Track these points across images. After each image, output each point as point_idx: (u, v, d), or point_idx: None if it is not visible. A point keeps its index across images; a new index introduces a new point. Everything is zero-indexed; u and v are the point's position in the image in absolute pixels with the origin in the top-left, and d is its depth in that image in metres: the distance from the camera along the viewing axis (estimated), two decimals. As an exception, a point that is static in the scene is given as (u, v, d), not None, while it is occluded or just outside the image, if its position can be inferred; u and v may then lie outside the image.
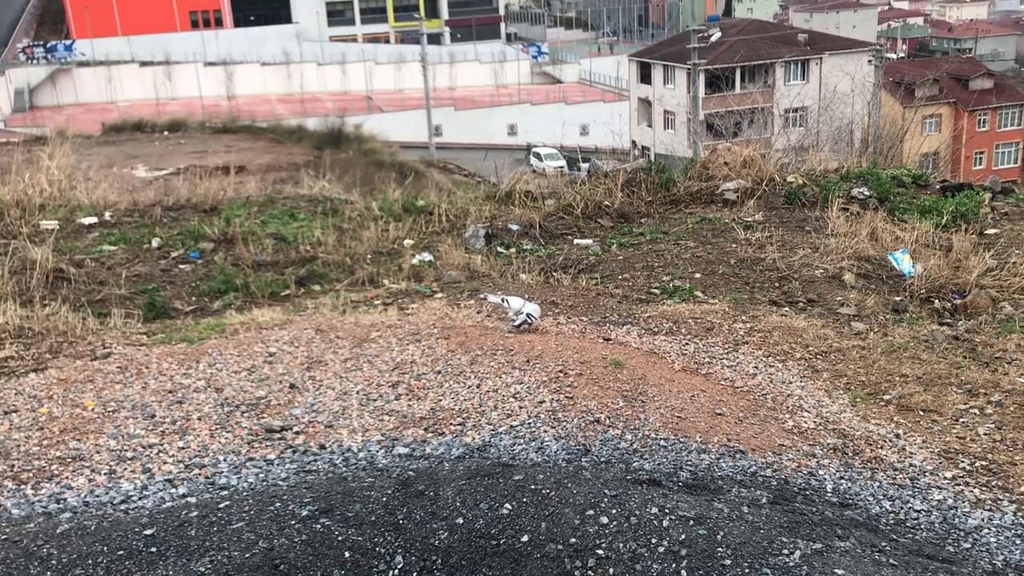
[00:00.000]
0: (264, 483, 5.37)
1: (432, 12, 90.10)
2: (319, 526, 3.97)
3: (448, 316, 8.73)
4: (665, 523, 3.82)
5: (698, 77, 45.70)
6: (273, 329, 8.21)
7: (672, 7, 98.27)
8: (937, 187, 13.47)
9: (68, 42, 77.84)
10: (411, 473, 4.56)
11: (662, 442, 6.04)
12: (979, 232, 11.45)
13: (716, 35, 57.02)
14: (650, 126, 64.52)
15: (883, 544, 4.25)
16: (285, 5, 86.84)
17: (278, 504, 4.24)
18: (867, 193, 12.91)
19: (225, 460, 5.81)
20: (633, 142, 65.99)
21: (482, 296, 9.06)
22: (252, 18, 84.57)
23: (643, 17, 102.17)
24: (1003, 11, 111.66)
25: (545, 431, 6.10)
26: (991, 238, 11.30)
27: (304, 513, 4.10)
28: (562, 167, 48.39)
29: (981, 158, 61.22)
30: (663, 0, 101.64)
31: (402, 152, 47.69)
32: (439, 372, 7.16)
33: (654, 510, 3.92)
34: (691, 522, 3.84)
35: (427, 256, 11.38)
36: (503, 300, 8.45)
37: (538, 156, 59.72)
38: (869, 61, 43.69)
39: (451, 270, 10.72)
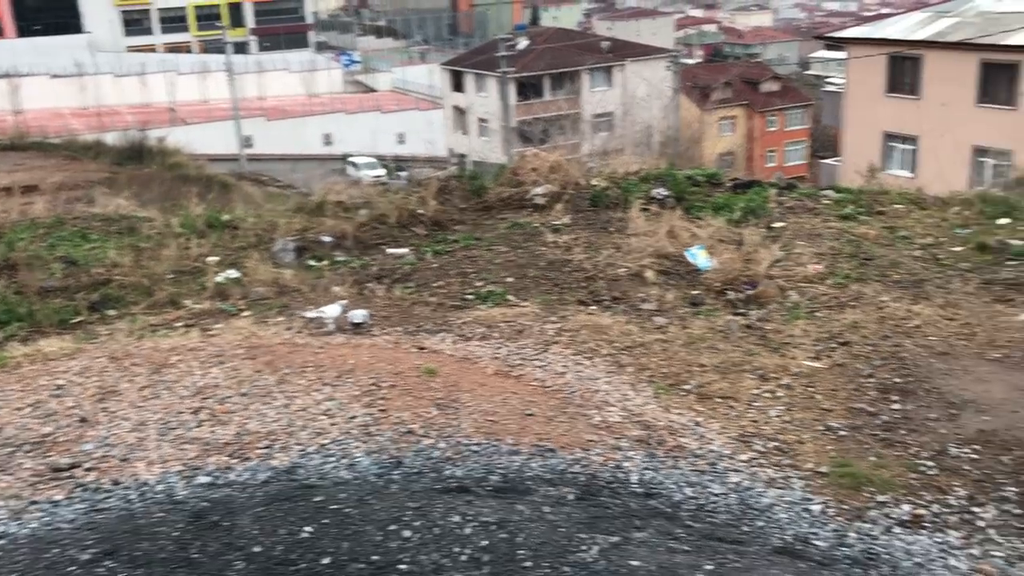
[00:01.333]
0: (47, 527, 4.98)
1: (237, 21, 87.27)
2: (101, 570, 3.71)
3: (255, 335, 8.44)
4: (468, 531, 3.83)
5: (507, 85, 46.54)
6: (61, 360, 7.66)
7: (481, 16, 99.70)
8: (729, 185, 14.27)
9: None
10: (206, 504, 4.36)
11: (474, 447, 6.07)
12: (767, 226, 12.21)
13: (523, 43, 58.31)
14: (465, 134, 65.14)
15: (679, 531, 4.45)
16: (75, 14, 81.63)
17: (56, 550, 3.94)
18: (665, 193, 13.50)
19: (4, 506, 5.34)
20: (450, 150, 66.41)
21: (302, 314, 8.85)
22: (37, 27, 78.99)
23: (453, 26, 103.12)
24: (785, 19, 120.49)
25: (357, 447, 6.00)
26: (778, 231, 12.07)
27: (85, 557, 3.83)
28: (380, 176, 48.03)
29: (773, 156, 65.59)
30: (472, 9, 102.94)
31: (211, 165, 45.74)
32: (245, 394, 6.90)
33: (457, 518, 3.92)
34: (493, 527, 3.88)
35: (233, 273, 10.95)
36: (320, 312, 8.35)
37: (355, 165, 58.94)
38: (667, 67, 46.02)
39: (259, 286, 10.37)
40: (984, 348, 8.27)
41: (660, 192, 13.59)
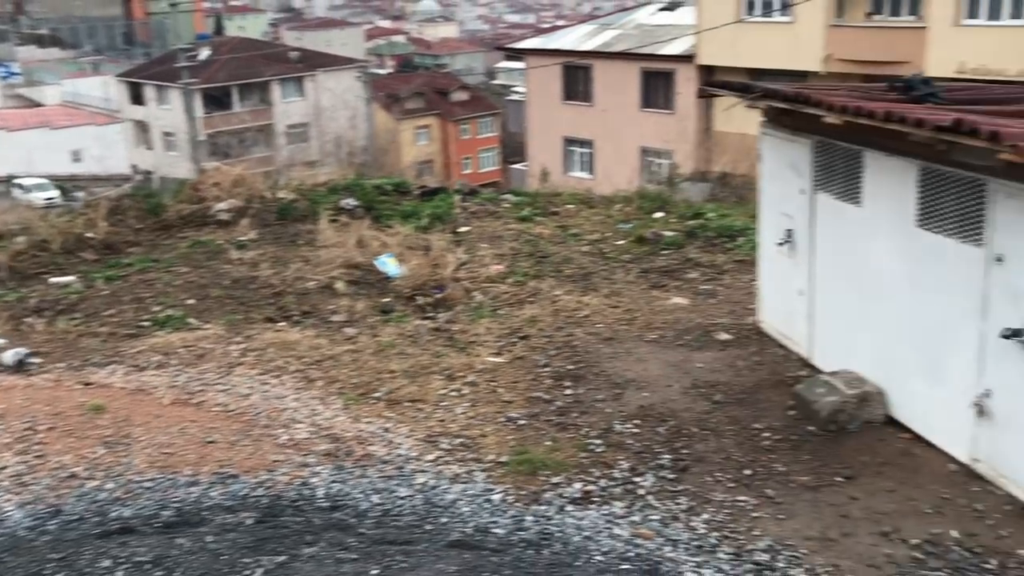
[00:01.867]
0: None
1: None
2: None
3: None
4: (119, 574, 3.59)
5: (192, 97, 44.37)
6: None
7: (159, 25, 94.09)
8: (416, 193, 14.59)
9: None
10: None
11: (147, 484, 5.72)
12: (453, 231, 12.64)
13: (205, 53, 55.82)
14: (150, 148, 61.24)
15: (351, 540, 4.47)
16: None
17: None
18: (354, 203, 13.55)
19: None
20: (134, 166, 62.12)
21: None
22: None
23: (128, 35, 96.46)
24: (470, 30, 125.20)
25: (8, 500, 5.43)
26: (463, 235, 12.54)
27: None
28: (53, 198, 43.84)
29: (469, 162, 67.88)
30: (148, 17, 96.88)
31: None
32: None
33: (107, 563, 3.67)
34: (148, 566, 3.67)
35: None
36: None
37: (23, 187, 53.40)
38: (357, 77, 46.11)
39: None
40: (643, 331, 9.08)
41: (349, 202, 13.61)
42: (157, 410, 6.98)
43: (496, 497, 6.01)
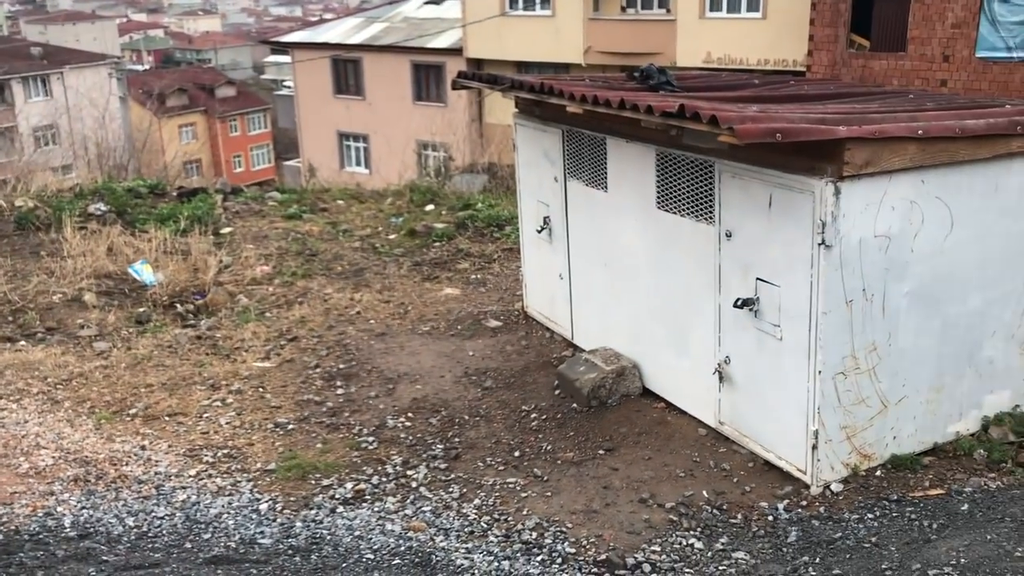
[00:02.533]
0: None
1: None
2: None
3: None
4: None
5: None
6: None
7: None
8: (174, 194, 13.84)
9: None
10: None
11: None
12: (215, 232, 12.08)
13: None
14: None
15: (90, 571, 4.15)
16: None
17: None
18: (104, 208, 12.65)
19: None
20: None
21: None
22: None
23: None
24: (235, 24, 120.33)
25: None
26: (226, 237, 12.02)
27: None
28: None
29: (240, 160, 65.37)
30: None
31: None
32: None
33: None
34: None
35: None
36: None
37: None
38: (110, 74, 43.14)
39: None
40: (416, 324, 9.10)
41: (99, 208, 12.69)
42: None
43: (263, 506, 5.81)
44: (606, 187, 7.25)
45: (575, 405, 7.09)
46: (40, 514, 5.55)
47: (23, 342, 8.78)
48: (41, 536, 5.17)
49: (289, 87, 46.97)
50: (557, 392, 7.33)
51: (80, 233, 11.52)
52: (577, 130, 7.45)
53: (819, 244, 5.21)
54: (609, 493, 5.92)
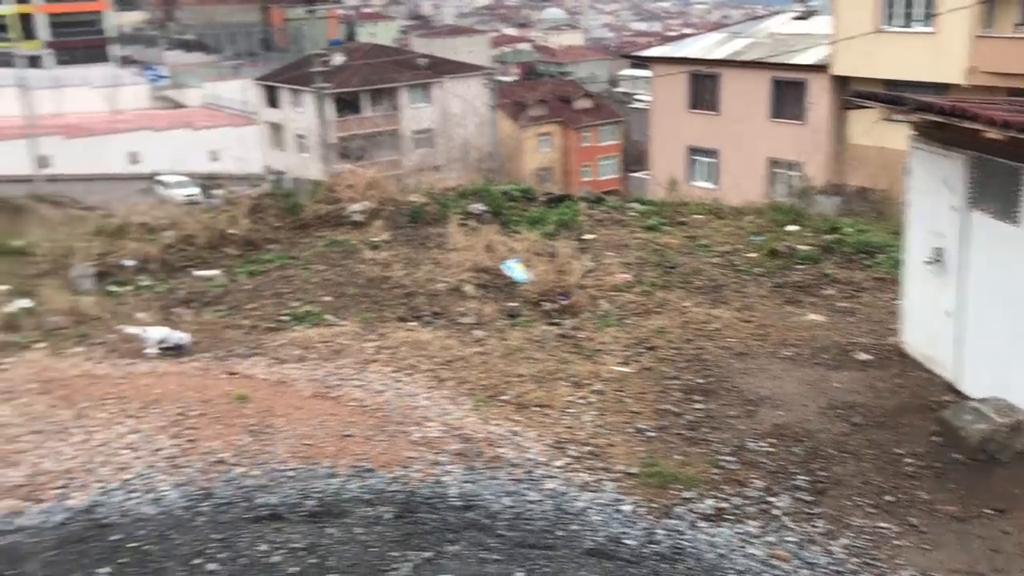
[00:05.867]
0: None
1: (29, 33, 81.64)
2: None
3: (50, 368, 7.91)
4: (276, 559, 3.73)
5: (324, 101, 45.87)
6: None
7: (295, 30, 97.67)
8: (543, 199, 14.67)
9: None
10: (-11, 551, 4.04)
11: (290, 473, 5.93)
12: (578, 238, 12.64)
13: (339, 59, 57.64)
14: (283, 150, 63.63)
15: (491, 541, 4.51)
16: None
17: None
18: (482, 208, 13.73)
19: None
20: (267, 167, 64.62)
21: (126, 329, 8.42)
22: None
23: (267, 40, 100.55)
24: (595, 38, 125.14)
25: (162, 480, 5.73)
26: (589, 243, 12.52)
27: None
28: (193, 195, 46.07)
29: (589, 170, 67.81)
30: (285, 24, 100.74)
31: (1, 187, 42.58)
32: (38, 432, 6.45)
33: (264, 547, 3.82)
34: (303, 553, 3.81)
35: (25, 302, 10.22)
36: (143, 331, 8.06)
37: (165, 184, 56.30)
38: (484, 84, 46.71)
39: (54, 316, 9.72)
40: (777, 347, 8.87)
41: (477, 207, 13.79)
42: (298, 402, 7.24)
43: (626, 508, 5.97)
44: (1016, 220, 6.58)
45: (958, 456, 6.52)
46: (430, 481, 6.14)
47: (413, 323, 9.77)
48: (433, 501, 5.71)
49: (642, 100, 47.93)
50: (936, 439, 6.79)
51: (462, 229, 12.59)
52: (987, 158, 6.83)
53: None
54: (999, 558, 5.39)
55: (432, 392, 7.83)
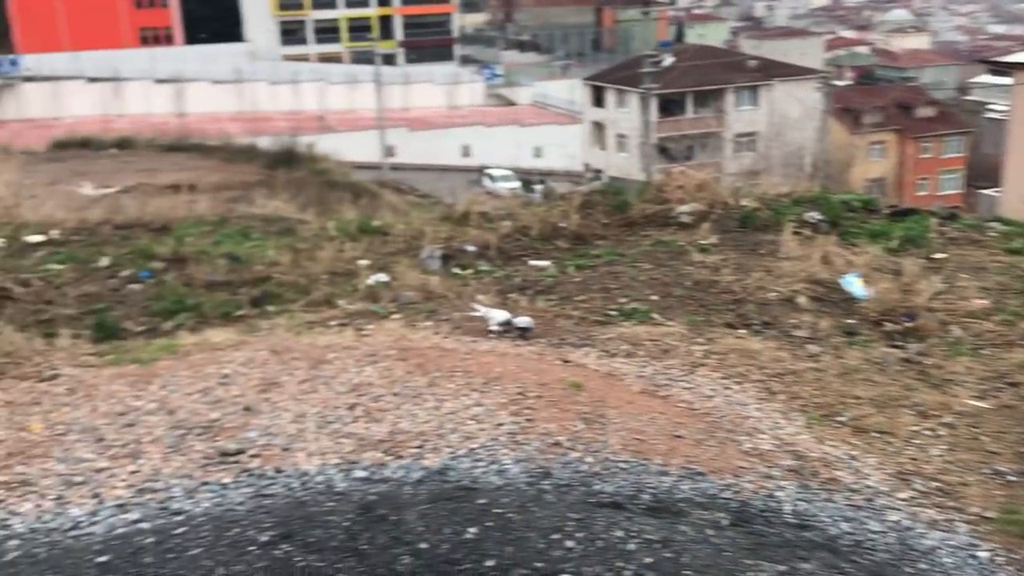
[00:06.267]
0: (219, 508, 5.24)
1: (386, 33, 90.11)
2: (279, 552, 3.88)
3: (405, 337, 8.66)
4: (631, 547, 3.80)
5: (650, 101, 46.27)
6: (227, 350, 8.06)
7: (625, 32, 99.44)
8: (886, 212, 13.75)
9: (13, 57, 76.21)
10: (373, 497, 4.50)
11: (622, 464, 6.04)
12: (927, 256, 11.70)
13: (669, 60, 57.82)
14: (603, 149, 65.13)
15: (845, 566, 4.29)
16: (237, 24, 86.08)
17: (236, 530, 4.15)
18: (818, 217, 13.13)
19: (178, 484, 5.66)
20: (586, 164, 66.49)
21: (474, 308, 9.13)
22: (203, 36, 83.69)
23: (597, 41, 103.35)
24: (944, 42, 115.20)
25: (505, 454, 6.06)
26: (939, 262, 11.54)
27: (263, 539, 4.01)
28: (516, 188, 48.56)
29: (925, 184, 62.71)
30: (615, 25, 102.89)
31: (355, 172, 47.44)
32: (397, 394, 7.08)
33: (619, 533, 3.91)
34: (657, 545, 3.84)
35: (383, 277, 11.29)
36: (488, 312, 8.74)
37: (491, 177, 59.75)
38: (818, 88, 44.68)
39: (407, 291, 10.65)
40: None
41: (813, 216, 13.22)
42: (628, 396, 7.35)
43: (983, 555, 5.44)
44: None
45: None
46: (763, 493, 5.97)
47: (742, 331, 9.56)
48: (767, 515, 5.55)
49: (997, 110, 43.33)
50: None
51: (795, 238, 12.13)
52: None
53: None
54: None
55: (763, 404, 7.61)
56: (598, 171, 62.96)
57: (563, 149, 67.29)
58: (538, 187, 41.27)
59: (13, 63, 75.25)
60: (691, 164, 40.48)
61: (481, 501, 4.28)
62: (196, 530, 4.27)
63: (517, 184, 54.79)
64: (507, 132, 76.13)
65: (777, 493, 6.01)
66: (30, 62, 75.61)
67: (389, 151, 65.03)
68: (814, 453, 6.72)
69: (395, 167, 63.63)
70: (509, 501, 4.29)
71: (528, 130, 75.70)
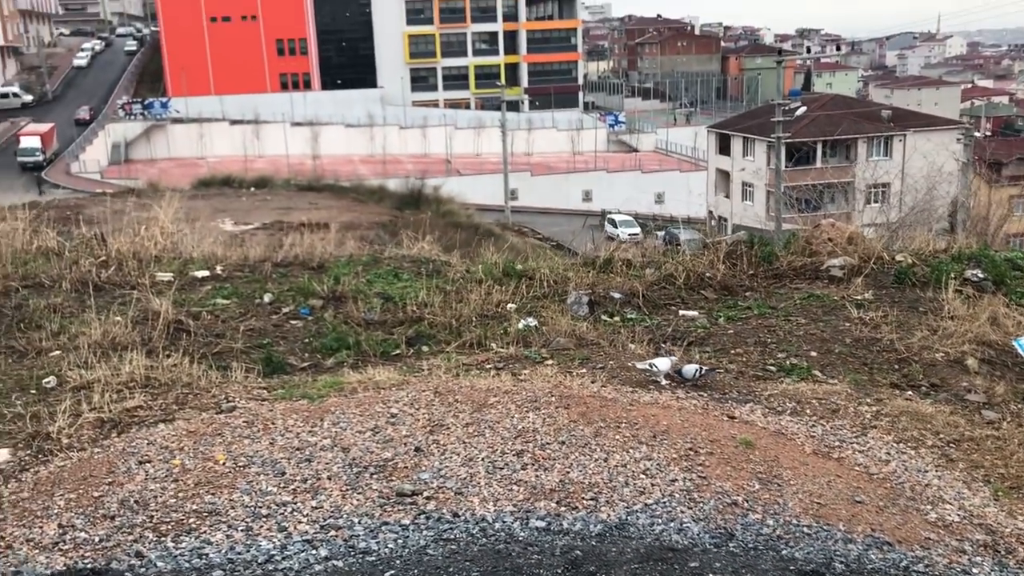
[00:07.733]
0: (403, 549, 5.30)
1: (512, 80, 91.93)
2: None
3: (563, 384, 8.64)
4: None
5: (781, 150, 45.49)
6: (391, 389, 8.22)
7: (751, 81, 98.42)
8: (1055, 271, 13.01)
9: (164, 100, 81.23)
10: (578, 553, 4.46)
11: (805, 529, 5.82)
12: (1107, 320, 10.98)
13: (801, 109, 56.84)
14: (727, 197, 64.33)
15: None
16: (371, 70, 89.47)
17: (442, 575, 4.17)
18: (981, 275, 12.53)
19: (360, 522, 5.76)
20: (710, 212, 65.73)
21: (640, 365, 9.04)
22: (339, 81, 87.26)
23: (721, 89, 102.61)
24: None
25: (682, 511, 5.93)
26: (1121, 327, 10.82)
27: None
28: (636, 234, 48.36)
29: (1071, 241, 59.24)
30: (742, 74, 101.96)
31: (478, 214, 48.26)
32: (563, 443, 7.06)
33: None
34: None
35: (532, 321, 11.34)
36: (650, 365, 8.71)
37: (613, 223, 59.74)
38: (958, 139, 42.98)
39: (558, 336, 10.65)
40: None
41: (976, 274, 12.62)
42: (800, 456, 7.11)
43: None
44: None
45: None
46: (957, 569, 5.64)
47: (909, 392, 9.16)
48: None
49: None
50: None
51: (958, 296, 11.60)
52: None
53: None
54: None
55: (942, 471, 7.24)
56: (722, 218, 62.11)
57: (685, 196, 66.85)
58: (659, 234, 40.99)
59: (164, 105, 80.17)
60: (819, 214, 39.39)
61: (693, 564, 4.19)
62: (398, 571, 4.30)
63: (637, 229, 54.58)
64: (628, 178, 76.27)
65: (972, 569, 5.68)
66: (179, 105, 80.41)
67: (512, 194, 65.86)
68: (1007, 528, 6.34)
69: (516, 210, 64.38)
70: (722, 566, 4.18)
71: (649, 176, 75.63)
